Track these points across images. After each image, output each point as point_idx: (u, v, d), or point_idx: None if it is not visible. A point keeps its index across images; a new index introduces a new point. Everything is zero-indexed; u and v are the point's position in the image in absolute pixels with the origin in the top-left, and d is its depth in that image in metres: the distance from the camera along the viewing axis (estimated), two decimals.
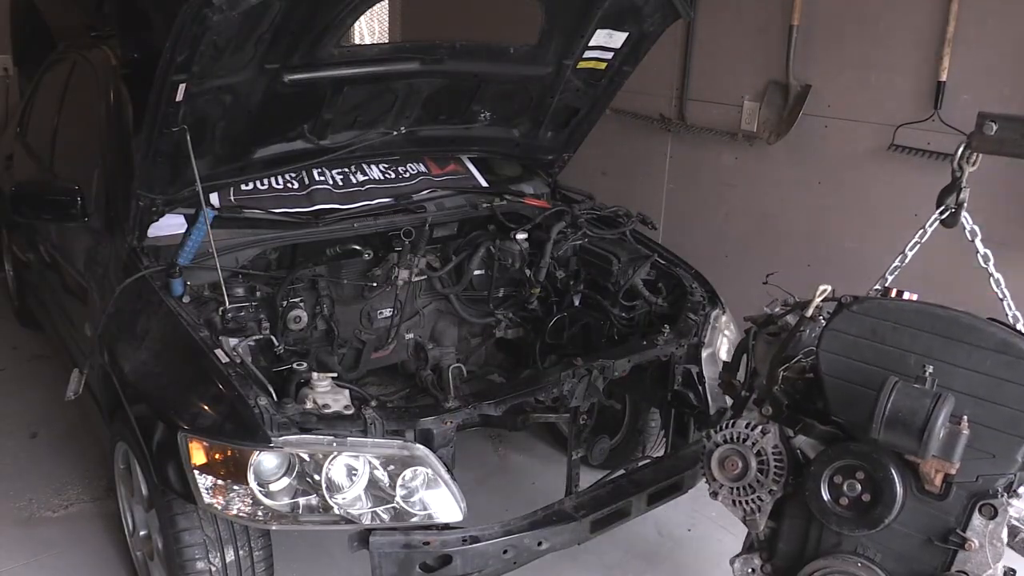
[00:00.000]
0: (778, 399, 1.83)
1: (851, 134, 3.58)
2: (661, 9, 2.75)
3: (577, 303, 2.99)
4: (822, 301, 1.89)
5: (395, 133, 2.91)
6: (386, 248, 2.92)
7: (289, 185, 2.90)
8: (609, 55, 2.93)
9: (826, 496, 1.71)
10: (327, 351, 2.88)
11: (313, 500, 1.99)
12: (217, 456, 1.98)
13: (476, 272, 3.06)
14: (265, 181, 2.85)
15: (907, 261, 1.93)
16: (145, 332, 2.35)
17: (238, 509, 1.98)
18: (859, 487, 1.67)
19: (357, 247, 2.89)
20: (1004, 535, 1.60)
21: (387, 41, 6.34)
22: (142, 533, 2.54)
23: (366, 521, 2.02)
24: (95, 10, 3.54)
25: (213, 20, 1.98)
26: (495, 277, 3.06)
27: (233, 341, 2.21)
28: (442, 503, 2.07)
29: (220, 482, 1.98)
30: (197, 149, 2.34)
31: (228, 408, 2.00)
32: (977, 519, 1.61)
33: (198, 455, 1.99)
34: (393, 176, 3.12)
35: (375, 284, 2.88)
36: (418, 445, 2.07)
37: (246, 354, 2.20)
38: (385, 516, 2.02)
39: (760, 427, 1.82)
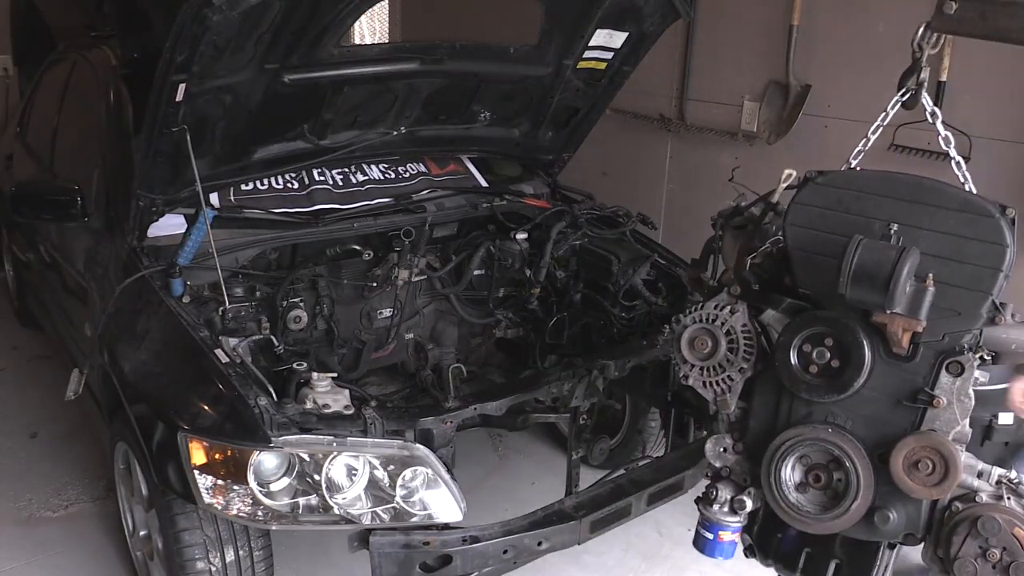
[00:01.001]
0: (746, 279, 1.85)
1: (851, 134, 3.56)
2: (661, 9, 2.75)
3: (577, 303, 2.99)
4: (787, 187, 1.89)
5: (395, 133, 2.91)
6: (386, 248, 2.92)
7: (289, 185, 2.90)
8: (609, 55, 2.93)
9: (796, 365, 1.71)
10: (327, 351, 2.88)
11: (313, 500, 1.99)
12: (217, 456, 1.98)
13: (476, 272, 3.06)
14: (265, 181, 2.85)
15: (869, 145, 1.96)
16: (145, 332, 2.35)
17: (238, 509, 1.98)
18: (828, 354, 1.69)
19: (357, 247, 2.89)
20: (971, 392, 1.63)
21: (387, 41, 6.34)
22: (142, 533, 2.54)
23: (366, 521, 2.02)
24: (95, 10, 3.54)
25: (213, 20, 1.98)
26: (495, 277, 3.06)
27: (233, 341, 2.21)
28: (442, 503, 2.07)
29: (220, 482, 1.98)
30: (197, 149, 2.34)
31: (228, 408, 2.00)
32: (945, 377, 1.63)
33: (198, 455, 1.98)
34: (393, 176, 3.12)
35: (375, 284, 2.88)
36: (418, 445, 2.07)
37: (246, 354, 2.20)
38: (385, 516, 2.02)
39: (729, 307, 1.83)
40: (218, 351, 2.12)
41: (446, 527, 2.08)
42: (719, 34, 4.07)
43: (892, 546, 1.77)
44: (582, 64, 2.92)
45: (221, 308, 2.36)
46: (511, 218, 3.10)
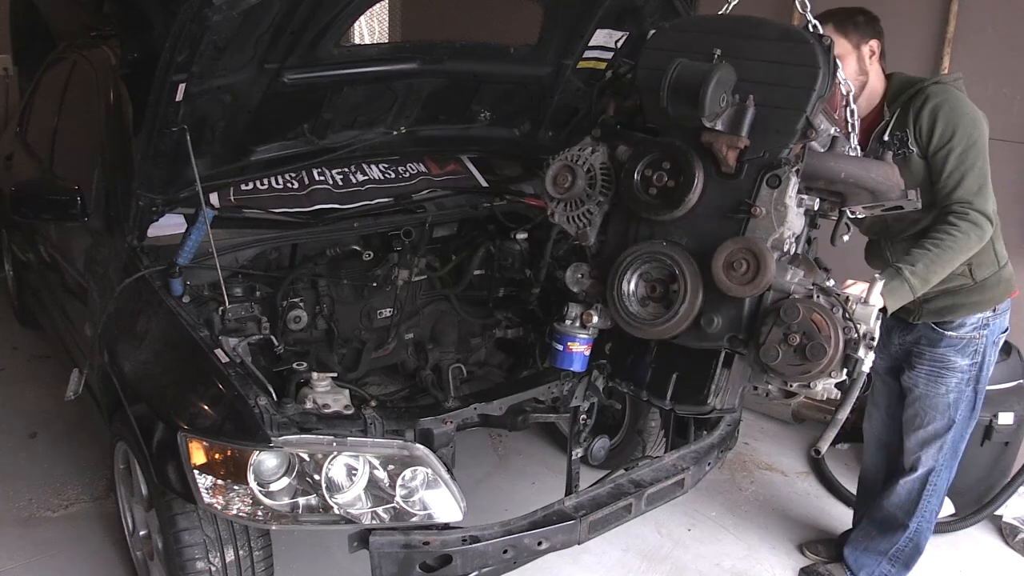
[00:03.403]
0: (608, 123, 2.05)
1: None
2: (661, 9, 2.75)
3: None
4: None
5: (395, 133, 2.91)
6: (386, 248, 2.92)
7: (289, 185, 2.90)
8: (609, 55, 2.93)
9: (638, 187, 1.90)
10: (327, 351, 2.88)
11: (313, 500, 1.99)
12: (217, 456, 1.98)
13: (476, 272, 3.06)
14: (265, 181, 2.85)
15: (730, 7, 2.10)
16: (145, 332, 2.35)
17: (238, 509, 1.98)
18: (665, 176, 1.86)
19: (357, 247, 2.89)
20: (787, 202, 1.78)
21: (387, 41, 6.34)
22: (142, 533, 2.54)
23: (366, 521, 2.02)
24: (95, 10, 3.54)
25: (213, 20, 1.98)
26: (495, 277, 3.06)
27: (233, 341, 2.21)
28: (442, 503, 2.07)
29: (220, 482, 1.98)
30: (197, 149, 2.34)
31: (228, 408, 2.00)
32: (764, 190, 1.78)
33: (198, 455, 1.99)
34: (393, 176, 3.12)
35: (375, 284, 2.88)
36: (418, 445, 2.07)
37: (246, 354, 2.20)
38: (385, 516, 2.02)
39: (591, 148, 2.03)
40: (218, 351, 2.12)
41: (446, 527, 2.08)
42: None
43: (728, 364, 1.93)
44: (582, 64, 2.92)
45: (221, 308, 2.36)
46: (511, 218, 3.10)
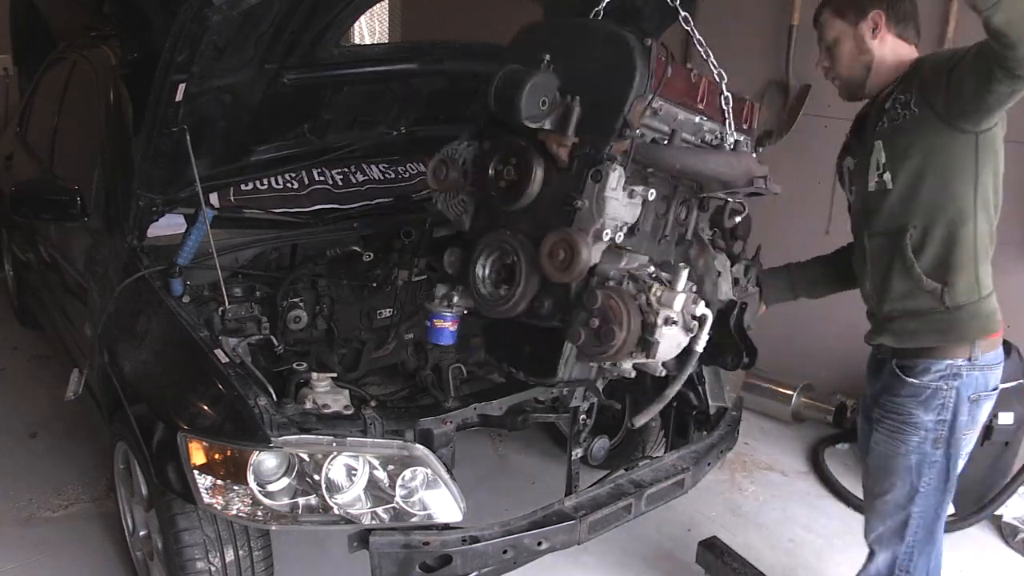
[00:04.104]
0: (479, 119, 2.19)
1: None
2: (661, 9, 2.75)
3: None
4: None
5: (395, 133, 2.91)
6: (386, 248, 2.92)
7: (289, 185, 2.90)
8: None
9: (492, 179, 2.05)
10: (327, 351, 2.87)
11: (313, 500, 1.99)
12: (217, 456, 1.98)
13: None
14: (265, 181, 2.85)
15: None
16: (145, 332, 2.35)
17: (238, 509, 1.98)
18: (512, 171, 2.01)
19: (357, 248, 2.89)
20: (608, 195, 1.86)
21: (387, 41, 6.34)
22: (142, 533, 2.54)
23: (366, 521, 2.01)
24: (95, 10, 3.54)
25: (213, 20, 1.98)
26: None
27: (233, 341, 2.21)
28: (442, 503, 2.07)
29: (220, 482, 1.98)
30: (197, 149, 2.34)
31: (228, 408, 2.00)
32: (589, 183, 1.88)
33: (198, 455, 1.99)
34: (393, 176, 3.12)
35: (375, 284, 2.88)
36: (418, 445, 2.07)
37: (246, 354, 2.20)
38: (385, 516, 2.02)
39: (466, 143, 2.19)
40: (218, 351, 2.12)
41: (446, 527, 2.08)
42: (719, 34, 4.06)
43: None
44: None
45: (221, 308, 2.36)
46: None
